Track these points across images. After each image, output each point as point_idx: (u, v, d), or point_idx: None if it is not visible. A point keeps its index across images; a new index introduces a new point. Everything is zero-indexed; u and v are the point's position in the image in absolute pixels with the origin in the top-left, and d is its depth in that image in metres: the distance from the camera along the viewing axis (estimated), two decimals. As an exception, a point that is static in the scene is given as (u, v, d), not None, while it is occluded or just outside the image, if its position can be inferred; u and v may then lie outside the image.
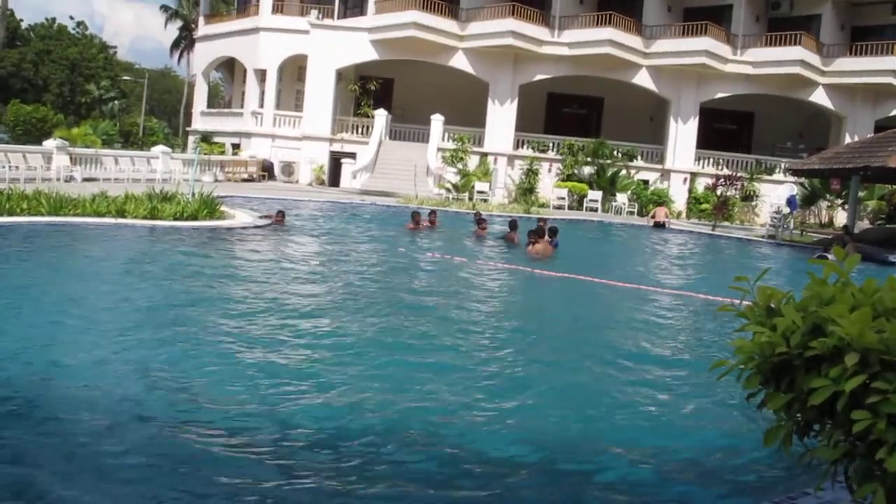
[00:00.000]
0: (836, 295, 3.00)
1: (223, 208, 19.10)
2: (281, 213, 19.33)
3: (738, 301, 3.36)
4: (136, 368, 6.85)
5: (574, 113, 40.45)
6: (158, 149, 32.44)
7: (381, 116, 36.39)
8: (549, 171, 36.25)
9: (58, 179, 25.39)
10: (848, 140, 34.80)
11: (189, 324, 8.58)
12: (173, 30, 69.39)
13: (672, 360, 8.83)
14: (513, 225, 19.02)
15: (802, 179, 32.92)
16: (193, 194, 18.77)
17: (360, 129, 37.83)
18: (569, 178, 35.64)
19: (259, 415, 5.98)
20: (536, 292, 13.65)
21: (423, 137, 36.21)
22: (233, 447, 5.33)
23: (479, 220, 20.33)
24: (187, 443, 5.33)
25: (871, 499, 2.64)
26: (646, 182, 36.22)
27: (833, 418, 2.81)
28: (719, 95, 36.71)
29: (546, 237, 17.48)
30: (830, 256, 20.96)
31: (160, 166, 30.36)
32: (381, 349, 8.12)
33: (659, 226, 28.71)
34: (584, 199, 34.33)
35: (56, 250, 13.06)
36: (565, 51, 36.17)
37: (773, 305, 3.21)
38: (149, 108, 76.82)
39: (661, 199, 34.59)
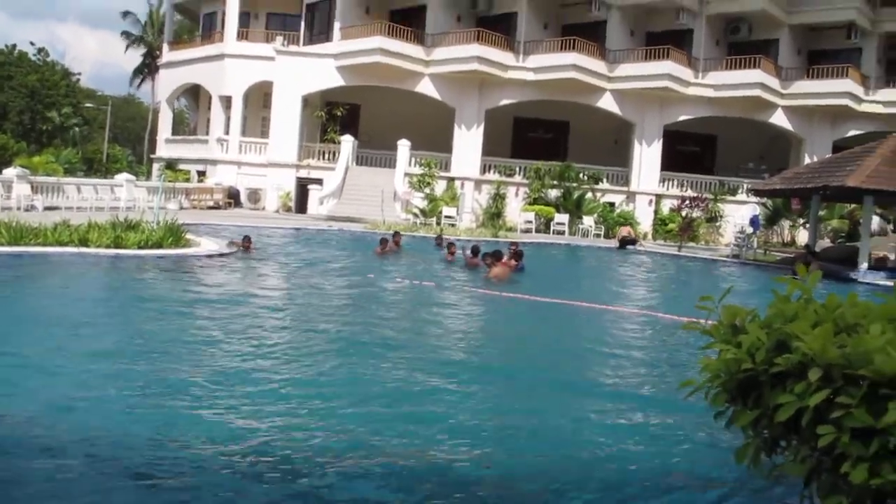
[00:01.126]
0: (799, 312, 3.05)
1: (189, 236, 18.93)
2: (248, 240, 19.20)
3: (703, 320, 3.41)
4: (91, 401, 6.73)
5: (540, 137, 40.76)
6: (122, 177, 32.18)
7: (347, 142, 36.39)
8: (516, 195, 36.45)
9: (18, 208, 25.06)
10: (807, 160, 35.46)
11: (150, 355, 8.45)
12: (136, 56, 69.03)
13: (639, 381, 8.88)
14: (475, 250, 19.05)
15: (765, 200, 33.41)
16: (158, 222, 18.60)
17: (326, 156, 37.80)
18: (535, 201, 35.85)
19: (224, 445, 5.91)
20: (501, 315, 13.67)
21: (390, 163, 36.27)
22: (179, 477, 5.26)
23: (448, 245, 20.37)
24: (142, 474, 5.25)
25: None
26: (612, 204, 36.54)
27: (799, 434, 2.84)
28: (682, 118, 37.25)
29: (505, 260, 17.60)
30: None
31: (124, 194, 30.10)
32: (347, 375, 8.08)
33: (627, 243, 28.96)
34: (551, 223, 34.51)
35: (15, 283, 12.85)
36: (530, 76, 36.52)
37: (737, 323, 3.26)
38: (112, 135, 76.15)
39: (628, 221, 34.90)
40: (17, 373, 7.28)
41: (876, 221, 31.04)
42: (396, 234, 22.29)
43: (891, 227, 32.63)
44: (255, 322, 10.56)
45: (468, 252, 18.95)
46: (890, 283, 20.21)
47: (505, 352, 10.34)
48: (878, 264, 25.44)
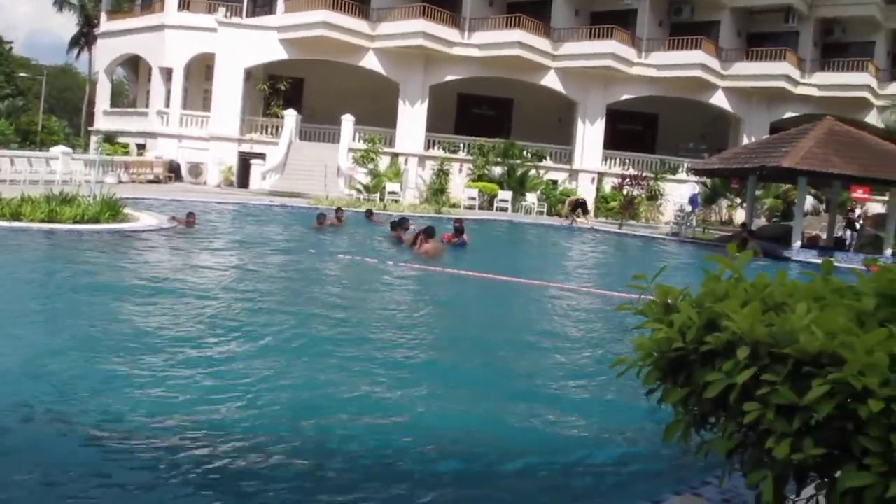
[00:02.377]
0: (729, 291, 3.12)
1: (127, 210, 18.54)
2: (192, 216, 18.93)
3: (637, 297, 3.47)
4: (26, 378, 6.60)
5: (484, 114, 40.82)
6: (58, 149, 31.31)
7: (290, 116, 35.96)
8: (460, 171, 36.49)
9: (-52, 181, 24.33)
10: (745, 141, 36.15)
11: (86, 332, 8.29)
12: (73, 25, 66.98)
13: (574, 357, 9.01)
14: (400, 223, 18.93)
15: (704, 179, 34.02)
16: (95, 196, 18.15)
17: (269, 130, 37.33)
18: (479, 178, 35.95)
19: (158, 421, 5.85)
20: (439, 292, 13.69)
21: (334, 138, 35.98)
22: (118, 453, 5.20)
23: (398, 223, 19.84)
24: (79, 453, 5.18)
25: (763, 485, 2.76)
26: (555, 182, 36.83)
27: (727, 410, 2.92)
28: (625, 97, 37.61)
29: (449, 235, 17.78)
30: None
31: (60, 167, 29.30)
32: (290, 353, 8.04)
33: (578, 206, 29.59)
34: (495, 200, 34.66)
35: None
36: (475, 52, 36.46)
37: (670, 302, 3.33)
38: (48, 106, 74.06)
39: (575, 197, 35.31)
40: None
41: (809, 201, 31.87)
42: (339, 209, 22.32)
43: (823, 206, 33.50)
44: (191, 300, 10.41)
45: (406, 230, 18.72)
46: (821, 261, 20.73)
47: (438, 330, 10.37)
48: (811, 243, 26.23)
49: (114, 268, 12.65)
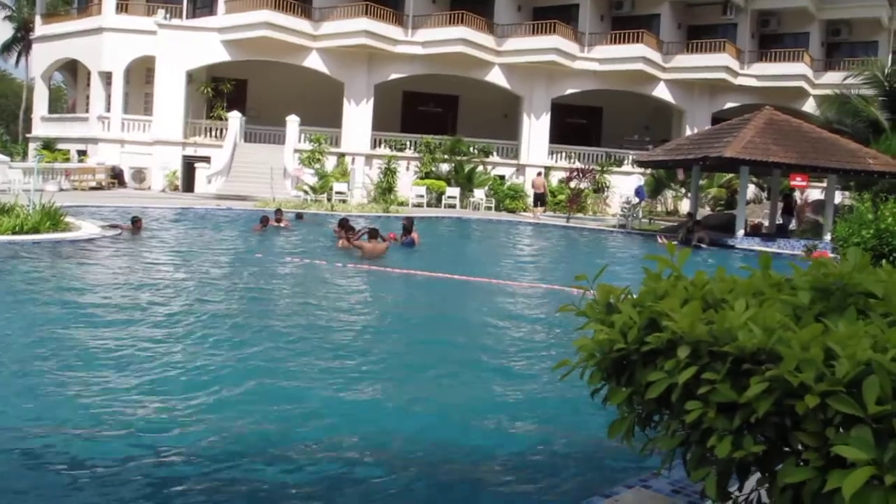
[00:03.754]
0: (669, 289, 3.15)
1: (69, 219, 18.14)
2: (138, 220, 18.68)
3: (578, 294, 3.49)
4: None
5: (430, 111, 40.80)
6: (-6, 157, 30.55)
7: (234, 119, 35.54)
8: (408, 169, 36.44)
9: None
10: (689, 131, 36.75)
11: (28, 351, 8.09)
12: (5, 29, 65.23)
13: (522, 356, 9.05)
14: (342, 223, 18.96)
15: (649, 170, 34.47)
16: (34, 205, 17.71)
17: (213, 133, 36.84)
18: (427, 175, 35.94)
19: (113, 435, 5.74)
20: (385, 292, 13.61)
21: (279, 139, 35.66)
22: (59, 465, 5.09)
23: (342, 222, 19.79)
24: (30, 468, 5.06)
25: (706, 480, 2.80)
26: (502, 177, 36.99)
27: (670, 409, 2.95)
28: (569, 91, 37.92)
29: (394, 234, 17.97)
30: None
31: (-2, 176, 28.61)
32: (239, 361, 7.95)
33: (539, 199, 30.10)
34: (443, 196, 34.69)
35: None
36: (419, 50, 36.42)
37: (612, 301, 3.35)
38: (-17, 113, 72.02)
39: (518, 194, 35.48)
40: None
41: (751, 189, 32.50)
42: (278, 211, 22.40)
43: (765, 195, 34.17)
44: (137, 309, 10.23)
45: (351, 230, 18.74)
46: (764, 249, 21.28)
47: (384, 330, 10.32)
48: (754, 230, 26.76)
49: (52, 280, 12.35)
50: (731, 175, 32.95)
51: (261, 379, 7.24)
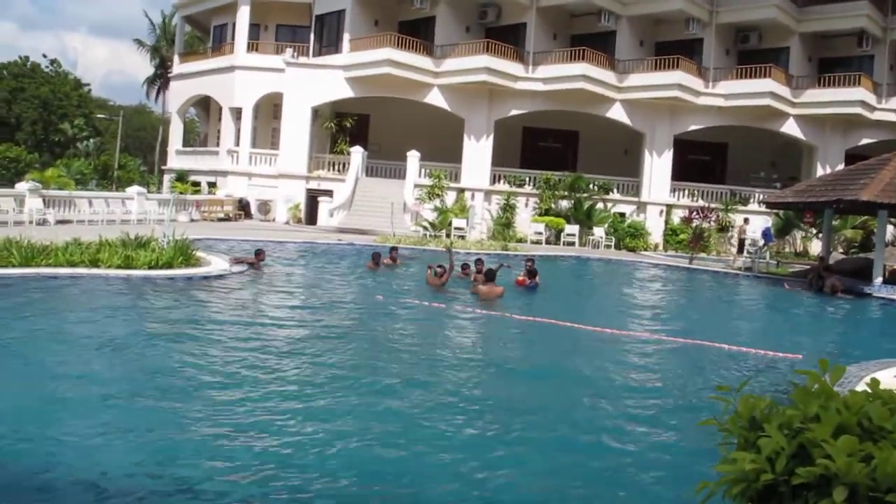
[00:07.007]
0: (819, 413, 2.92)
1: (199, 254, 18.87)
2: (260, 253, 19.30)
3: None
4: (112, 438, 6.66)
5: (550, 147, 40.65)
6: (133, 190, 32.24)
7: (357, 153, 36.38)
8: (526, 205, 36.33)
9: (30, 222, 25.17)
10: (819, 168, 35.29)
11: (164, 390, 8.36)
12: (146, 64, 69.17)
13: (647, 421, 8.72)
14: (464, 267, 19.03)
15: (776, 211, 33.18)
16: (169, 239, 18.43)
17: (336, 167, 37.79)
18: (546, 212, 35.72)
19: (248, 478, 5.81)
20: (499, 338, 13.42)
21: (400, 174, 36.23)
22: None
23: (463, 266, 19.63)
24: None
25: None
26: (622, 215, 36.35)
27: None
28: (693, 128, 37.03)
29: (520, 277, 17.95)
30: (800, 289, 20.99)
31: (135, 207, 30.15)
32: (356, 402, 7.97)
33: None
34: (562, 234, 34.36)
35: (18, 309, 12.71)
36: (540, 86, 36.39)
37: (756, 417, 3.14)
38: (124, 145, 76.34)
39: (639, 232, 34.80)
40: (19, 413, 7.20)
41: (890, 231, 30.74)
42: (393, 248, 22.45)
43: (905, 237, 32.32)
44: (262, 350, 10.45)
45: (469, 267, 18.86)
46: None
47: (505, 380, 10.17)
48: (893, 277, 25.15)
49: (183, 317, 12.79)
50: (866, 216, 31.36)
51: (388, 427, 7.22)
